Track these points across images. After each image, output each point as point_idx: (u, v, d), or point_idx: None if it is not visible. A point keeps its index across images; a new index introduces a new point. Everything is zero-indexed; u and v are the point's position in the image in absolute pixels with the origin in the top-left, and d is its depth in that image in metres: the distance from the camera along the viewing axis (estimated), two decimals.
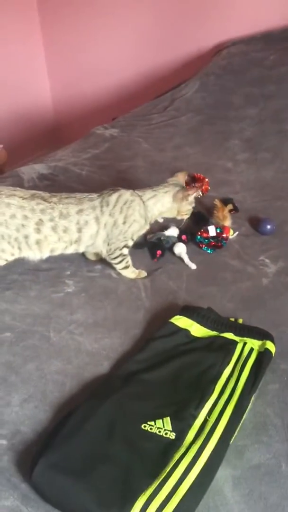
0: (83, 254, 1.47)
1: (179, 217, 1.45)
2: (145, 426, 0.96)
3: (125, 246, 1.38)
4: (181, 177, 1.46)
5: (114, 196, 1.35)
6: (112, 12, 2.97)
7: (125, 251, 1.39)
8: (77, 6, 3.08)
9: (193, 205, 1.44)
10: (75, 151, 2.06)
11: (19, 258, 1.35)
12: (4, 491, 0.90)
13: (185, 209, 1.41)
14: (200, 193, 1.76)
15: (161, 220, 1.62)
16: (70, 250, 1.35)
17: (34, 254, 1.33)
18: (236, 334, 1.17)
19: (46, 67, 3.43)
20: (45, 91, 3.48)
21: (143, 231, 1.42)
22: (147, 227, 1.42)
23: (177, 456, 0.90)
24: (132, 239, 1.39)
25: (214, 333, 1.19)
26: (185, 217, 1.45)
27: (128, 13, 2.91)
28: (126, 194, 1.36)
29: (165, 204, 1.39)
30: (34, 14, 3.22)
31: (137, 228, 1.39)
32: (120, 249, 1.37)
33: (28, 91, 3.36)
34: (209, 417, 0.98)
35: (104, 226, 1.33)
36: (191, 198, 1.40)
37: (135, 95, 3.03)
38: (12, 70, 3.19)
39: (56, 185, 1.79)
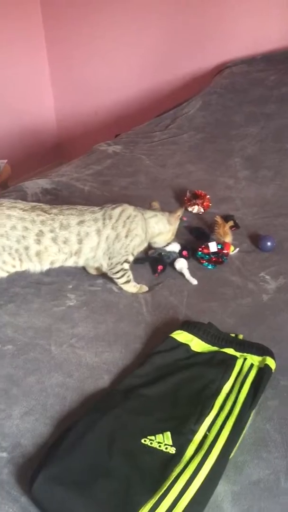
0: (84, 269, 1.48)
1: (167, 242, 1.50)
2: (145, 441, 0.96)
3: (126, 261, 1.39)
4: (156, 205, 1.51)
5: (117, 210, 1.37)
6: (116, 31, 3.03)
7: (126, 266, 1.40)
8: (81, 25, 3.15)
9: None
10: (78, 167, 2.09)
11: (21, 271, 1.36)
12: (4, 504, 0.89)
13: (175, 229, 1.48)
14: (201, 210, 1.78)
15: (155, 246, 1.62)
16: (70, 262, 1.36)
17: (35, 266, 1.34)
18: (236, 350, 1.17)
19: (51, 84, 3.49)
20: (49, 107, 3.54)
21: (143, 247, 1.44)
22: (145, 244, 1.44)
23: (177, 470, 0.90)
24: (133, 254, 1.41)
25: (214, 348, 1.19)
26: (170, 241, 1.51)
27: (132, 33, 2.98)
28: (129, 209, 1.38)
29: (165, 225, 1.44)
30: (40, 32, 3.29)
31: (138, 243, 1.40)
32: (121, 264, 1.38)
33: (33, 107, 3.41)
34: (209, 432, 0.98)
35: (105, 239, 1.35)
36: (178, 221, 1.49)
37: (138, 113, 3.08)
38: (17, 87, 3.25)
39: (59, 200, 1.81)
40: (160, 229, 1.44)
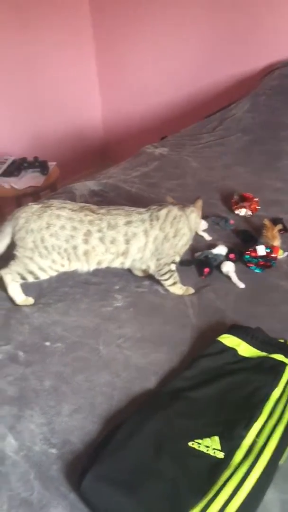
0: (130, 271, 1.49)
1: (205, 236, 1.55)
2: (192, 444, 0.96)
3: (173, 262, 1.40)
4: (170, 200, 1.50)
5: (163, 211, 1.37)
6: (163, 34, 3.04)
7: (173, 267, 1.41)
8: (129, 29, 3.18)
9: None
10: (125, 169, 2.11)
11: (69, 271, 1.39)
12: (53, 499, 0.92)
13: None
14: (249, 213, 1.76)
15: (209, 239, 1.63)
16: (117, 263, 1.37)
17: (82, 266, 1.36)
18: (286, 356, 1.15)
19: (98, 88, 3.55)
20: (97, 110, 3.59)
21: (188, 245, 1.45)
22: (191, 242, 1.45)
23: (225, 475, 0.90)
24: (179, 254, 1.41)
25: (263, 353, 1.18)
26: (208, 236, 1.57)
27: (179, 35, 2.98)
28: (175, 210, 1.39)
29: (198, 215, 1.46)
30: (89, 37, 3.35)
31: (185, 242, 1.42)
32: (169, 265, 1.39)
33: (81, 111, 3.47)
34: (258, 438, 0.97)
35: (153, 240, 1.35)
36: None
37: (184, 115, 3.08)
38: (66, 91, 3.32)
39: (106, 201, 1.83)
40: (198, 223, 1.47)
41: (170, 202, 1.46)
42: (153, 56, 3.16)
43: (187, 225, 1.40)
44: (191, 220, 1.42)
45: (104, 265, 1.38)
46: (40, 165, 2.63)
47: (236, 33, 2.74)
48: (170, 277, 1.40)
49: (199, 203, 1.47)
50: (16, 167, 2.61)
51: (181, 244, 1.40)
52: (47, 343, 1.26)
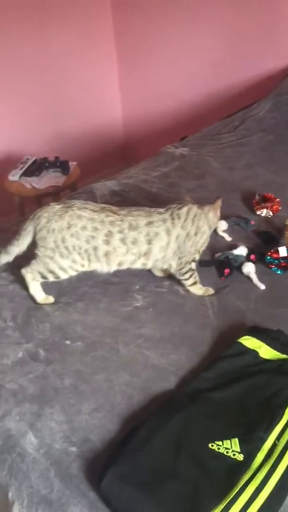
0: (149, 270, 1.49)
1: (225, 237, 1.54)
2: (212, 446, 0.95)
3: (193, 260, 1.40)
4: (188, 199, 1.49)
5: (184, 210, 1.38)
6: (184, 33, 3.03)
7: (193, 265, 1.40)
8: (150, 28, 3.18)
9: None
10: (146, 169, 2.11)
11: (89, 270, 1.39)
12: (72, 497, 0.92)
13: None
14: (270, 213, 1.74)
15: (229, 239, 1.62)
16: (138, 264, 1.37)
17: (102, 267, 1.37)
18: None
19: (119, 88, 3.55)
20: (117, 110, 3.60)
21: (207, 243, 1.45)
22: (208, 239, 1.46)
23: (245, 478, 0.89)
24: (199, 252, 1.42)
25: (284, 356, 1.16)
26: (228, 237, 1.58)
27: (200, 34, 2.96)
28: (194, 208, 1.40)
29: (215, 215, 1.45)
30: (110, 37, 3.36)
31: (205, 239, 1.42)
32: (190, 263, 1.39)
33: (101, 111, 3.49)
34: (278, 441, 0.96)
35: (175, 239, 1.35)
36: None
37: (205, 115, 3.06)
38: (86, 91, 3.33)
39: (126, 201, 1.83)
40: (215, 222, 1.46)
41: (188, 201, 1.46)
42: (174, 55, 3.15)
43: (207, 223, 1.41)
44: (210, 218, 1.42)
45: (125, 266, 1.38)
46: (61, 165, 2.65)
47: (257, 32, 2.71)
48: (190, 276, 1.40)
49: (218, 202, 1.47)
50: (37, 167, 2.64)
51: (202, 241, 1.41)
52: (67, 342, 1.26)
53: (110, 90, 3.51)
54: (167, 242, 1.35)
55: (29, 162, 2.68)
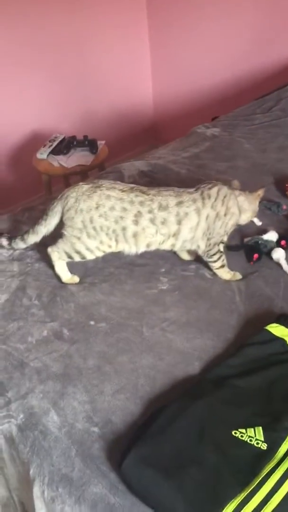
0: (175, 253, 1.47)
1: (255, 221, 1.50)
2: (235, 433, 0.94)
3: (222, 242, 1.37)
4: (237, 184, 1.46)
5: (214, 189, 1.34)
6: (217, 11, 2.93)
7: (222, 247, 1.38)
8: (183, 9, 3.09)
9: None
10: (175, 149, 2.06)
11: (115, 252, 1.38)
12: (94, 477, 0.92)
13: (257, 209, 1.44)
14: None
15: (259, 224, 1.57)
16: (167, 245, 1.35)
17: (130, 248, 1.35)
18: None
19: (150, 67, 3.49)
20: (148, 89, 3.54)
21: (235, 226, 1.42)
22: (235, 225, 1.42)
23: (268, 467, 0.87)
24: (227, 234, 1.39)
25: None
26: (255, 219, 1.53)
27: (232, 12, 2.86)
28: (225, 188, 1.37)
29: (248, 203, 1.40)
30: (143, 16, 3.29)
31: (235, 221, 1.39)
32: (218, 245, 1.36)
33: (131, 90, 3.43)
34: None
35: (205, 219, 1.32)
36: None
37: (237, 95, 2.98)
38: (118, 70, 3.28)
39: (155, 182, 1.80)
40: (245, 207, 1.41)
41: (235, 187, 1.43)
42: (206, 34, 3.06)
43: (236, 204, 1.37)
44: (239, 202, 1.39)
45: (153, 247, 1.36)
46: (89, 143, 2.62)
47: None
48: (218, 258, 1.37)
49: (259, 192, 1.43)
50: (66, 145, 2.62)
51: (231, 223, 1.37)
52: (92, 322, 1.26)
53: (141, 69, 3.45)
54: (197, 222, 1.32)
55: (58, 140, 2.66)
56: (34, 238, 1.41)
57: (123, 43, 3.25)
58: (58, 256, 1.38)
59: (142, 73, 3.47)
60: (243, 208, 1.40)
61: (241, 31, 2.87)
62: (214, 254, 1.37)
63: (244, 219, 1.43)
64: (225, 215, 1.35)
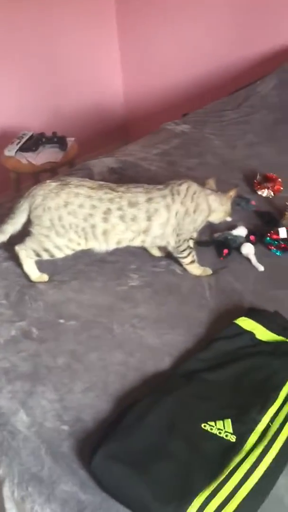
0: (145, 249, 1.47)
1: (225, 219, 1.48)
2: (205, 426, 0.94)
3: (191, 238, 1.38)
4: (212, 182, 1.47)
5: (184, 186, 1.35)
6: (187, 7, 2.94)
7: (191, 243, 1.38)
8: (153, 5, 3.09)
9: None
10: (145, 146, 2.06)
11: (85, 249, 1.37)
12: (63, 475, 0.92)
13: (229, 208, 1.44)
14: (272, 194, 1.71)
15: (229, 219, 1.59)
16: (137, 241, 1.35)
17: (100, 245, 1.34)
18: None
19: (120, 63, 3.47)
20: (118, 86, 3.53)
21: (204, 223, 1.43)
22: (206, 222, 1.43)
23: (237, 459, 0.88)
24: (196, 231, 1.39)
25: (280, 338, 1.15)
26: (228, 218, 1.48)
27: (204, 8, 2.88)
28: (194, 185, 1.37)
29: (219, 203, 1.41)
30: (112, 11, 3.27)
31: (203, 218, 1.40)
32: (187, 241, 1.37)
33: (101, 86, 3.42)
34: (271, 423, 0.95)
35: (175, 215, 1.33)
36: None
37: (207, 92, 3.00)
38: (87, 66, 3.26)
39: (124, 179, 1.80)
40: (215, 207, 1.42)
41: (209, 186, 1.44)
42: (176, 30, 3.07)
43: (206, 202, 1.38)
44: (209, 200, 1.40)
45: (123, 244, 1.35)
46: (58, 140, 2.60)
47: (264, 7, 2.63)
48: (188, 254, 1.38)
49: (231, 192, 1.44)
50: (34, 142, 2.58)
51: (200, 220, 1.38)
52: (61, 321, 1.25)
53: (111, 65, 3.44)
54: (166, 218, 1.32)
55: (26, 137, 2.63)
56: (1, 237, 1.38)
57: (92, 39, 3.22)
58: (26, 254, 1.36)
59: (111, 69, 3.45)
60: (213, 207, 1.41)
61: (212, 28, 2.89)
62: (184, 250, 1.37)
63: (215, 218, 1.44)
64: (194, 211, 1.35)
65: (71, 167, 2.41)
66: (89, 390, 1.07)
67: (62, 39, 3.05)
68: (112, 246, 1.35)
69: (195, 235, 1.40)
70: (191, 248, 1.39)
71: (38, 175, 2.64)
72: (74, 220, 1.29)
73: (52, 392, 1.07)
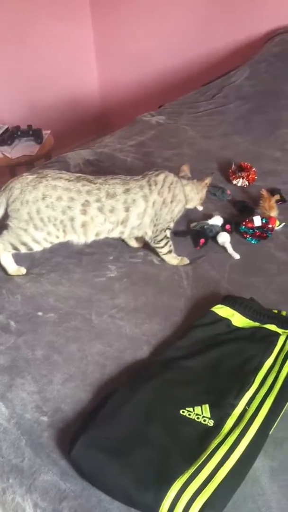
0: (123, 240, 1.48)
1: (197, 207, 1.51)
2: (183, 412, 0.96)
3: (168, 228, 1.39)
4: (186, 169, 1.51)
5: (161, 176, 1.36)
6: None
7: (168, 233, 1.39)
8: None
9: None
10: (121, 137, 2.06)
11: (63, 241, 1.37)
12: (44, 466, 0.92)
13: (203, 195, 1.48)
14: (246, 183, 1.73)
15: (200, 209, 1.60)
16: (116, 232, 1.35)
17: (79, 238, 1.34)
18: (279, 326, 1.15)
19: (95, 55, 3.45)
20: (93, 78, 3.51)
21: (182, 213, 1.44)
22: (183, 211, 1.44)
23: (215, 443, 0.90)
24: (173, 221, 1.41)
25: (256, 324, 1.17)
26: (200, 206, 1.52)
27: (177, 0, 2.87)
28: (171, 175, 1.39)
29: (194, 192, 1.44)
30: (85, 4, 3.24)
31: (180, 208, 1.41)
32: (165, 231, 1.38)
33: (76, 78, 3.39)
34: (248, 407, 0.97)
35: (152, 205, 1.34)
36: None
37: (182, 83, 3.00)
38: (62, 58, 3.23)
39: (101, 171, 1.80)
40: (191, 196, 1.45)
41: (184, 172, 1.47)
42: (151, 22, 3.06)
43: (183, 192, 1.40)
44: (186, 191, 1.42)
45: (102, 236, 1.35)
46: (34, 133, 2.57)
47: None
48: (165, 244, 1.39)
49: (206, 180, 1.47)
50: (9, 136, 2.56)
51: (177, 210, 1.40)
52: (39, 313, 1.25)
53: (86, 58, 3.41)
54: (144, 208, 1.33)
55: (1, 131, 2.60)
56: None
57: (66, 31, 3.19)
58: (3, 247, 1.35)
59: (87, 62, 3.43)
60: (190, 197, 1.43)
61: (187, 18, 2.89)
62: (161, 240, 1.38)
63: (190, 206, 1.47)
64: (171, 202, 1.36)
65: (47, 160, 2.40)
66: (69, 381, 1.08)
67: (36, 31, 3.02)
68: (90, 238, 1.35)
69: (172, 225, 1.41)
70: (168, 238, 1.40)
71: (14, 169, 2.62)
72: (53, 213, 1.29)
73: (31, 384, 1.07)
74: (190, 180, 1.45)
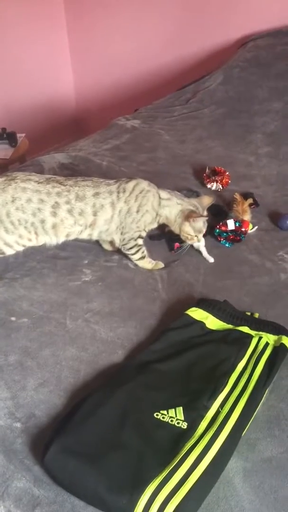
0: (98, 244, 1.47)
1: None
2: (157, 415, 0.96)
3: (139, 236, 1.38)
4: (206, 201, 1.44)
5: (131, 184, 1.35)
6: (135, 4, 2.95)
7: (140, 241, 1.39)
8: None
9: (196, 235, 1.40)
10: (96, 141, 2.06)
11: (37, 245, 1.36)
12: (17, 472, 0.91)
13: (186, 230, 1.38)
14: (220, 187, 1.75)
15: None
16: (84, 234, 1.35)
17: (50, 239, 1.34)
18: (251, 328, 1.16)
19: (70, 58, 3.44)
20: (68, 81, 3.49)
21: (155, 225, 1.42)
22: (156, 225, 1.42)
23: (188, 445, 0.90)
24: (145, 230, 1.39)
25: (229, 326, 1.18)
26: (187, 241, 1.42)
27: (153, 5, 2.89)
28: (143, 184, 1.37)
29: (173, 213, 1.38)
30: (60, 7, 3.23)
31: (150, 220, 1.39)
32: (135, 240, 1.37)
33: (52, 82, 3.37)
34: (221, 409, 0.98)
35: (119, 213, 1.33)
36: (197, 225, 1.37)
37: (158, 87, 3.02)
38: (37, 61, 3.21)
39: (76, 174, 1.79)
40: (167, 215, 1.39)
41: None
42: (126, 26, 3.07)
43: (152, 203, 1.36)
44: (161, 204, 1.36)
45: (72, 237, 1.35)
46: (8, 136, 2.55)
47: (211, 3, 2.68)
48: (137, 251, 1.39)
49: (206, 200, 1.44)
50: None
51: (144, 220, 1.37)
52: (13, 318, 1.24)
53: (61, 61, 3.40)
54: (111, 215, 1.33)
55: None
56: None
57: (41, 33, 3.17)
58: None
59: (62, 65, 3.41)
60: (164, 213, 1.37)
61: (162, 23, 2.90)
62: (131, 248, 1.38)
63: (175, 229, 1.40)
64: (137, 211, 1.35)
65: (22, 164, 2.38)
66: (42, 386, 1.07)
67: (10, 33, 2.99)
68: (62, 239, 1.35)
69: (143, 234, 1.39)
70: (139, 245, 1.39)
71: None
72: (23, 215, 1.28)
73: (4, 390, 1.06)
74: (177, 200, 1.37)
